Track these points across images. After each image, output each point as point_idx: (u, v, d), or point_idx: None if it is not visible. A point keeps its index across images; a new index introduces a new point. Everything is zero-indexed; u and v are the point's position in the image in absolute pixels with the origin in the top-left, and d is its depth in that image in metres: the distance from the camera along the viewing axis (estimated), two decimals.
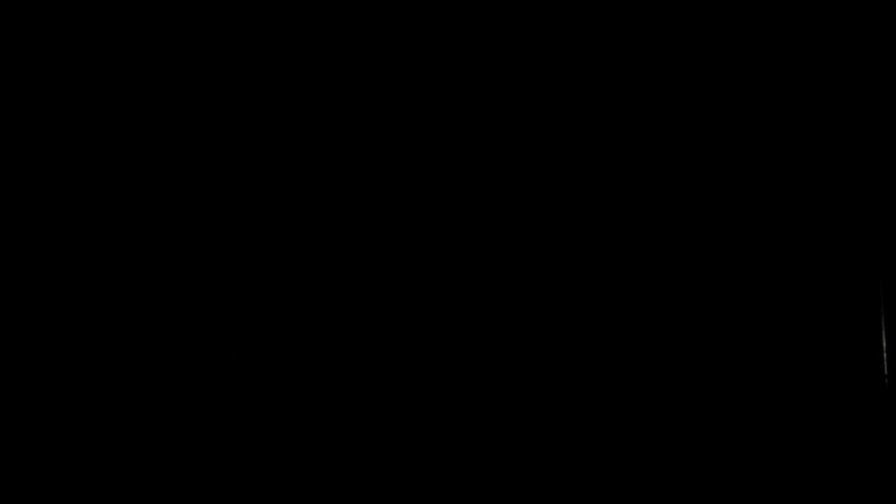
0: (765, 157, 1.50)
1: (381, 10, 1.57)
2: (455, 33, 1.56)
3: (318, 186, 1.54)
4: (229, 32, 1.57)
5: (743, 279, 1.48)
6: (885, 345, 1.44)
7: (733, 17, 1.53)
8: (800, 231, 1.48)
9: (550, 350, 1.48)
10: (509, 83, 1.55)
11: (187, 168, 1.55)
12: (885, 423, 1.43)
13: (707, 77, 1.52)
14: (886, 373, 1.44)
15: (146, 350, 1.50)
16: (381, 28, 1.57)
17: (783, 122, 1.51)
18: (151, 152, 1.55)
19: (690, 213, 1.50)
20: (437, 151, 1.54)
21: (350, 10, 1.57)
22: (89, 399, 1.49)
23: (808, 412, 1.44)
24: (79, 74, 1.57)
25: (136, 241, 1.53)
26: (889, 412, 1.43)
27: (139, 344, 1.50)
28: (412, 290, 1.51)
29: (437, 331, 1.50)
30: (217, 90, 1.56)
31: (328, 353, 1.50)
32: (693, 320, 1.47)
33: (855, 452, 1.43)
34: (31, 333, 1.50)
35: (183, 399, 1.49)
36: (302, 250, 1.53)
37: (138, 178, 1.55)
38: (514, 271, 1.51)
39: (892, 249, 1.47)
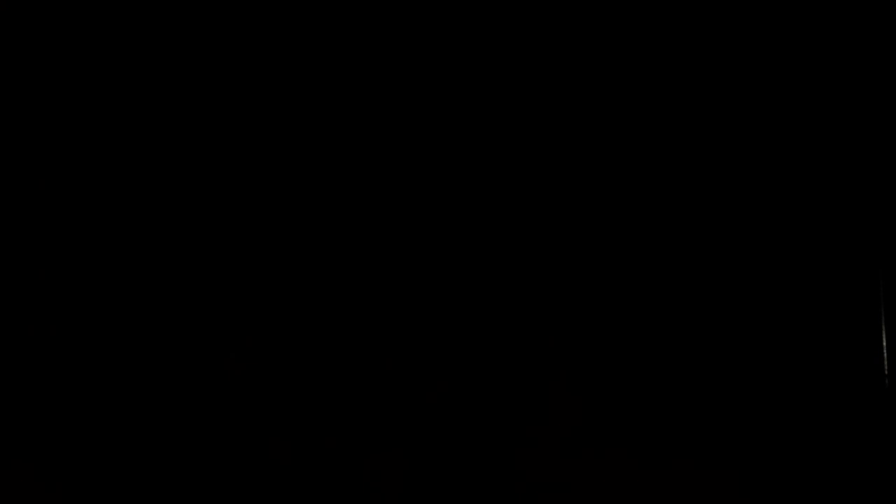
0: (764, 158, 1.51)
1: (380, 10, 1.57)
2: (455, 33, 1.56)
3: (317, 187, 1.54)
4: (229, 32, 1.57)
5: (743, 279, 1.48)
6: (885, 345, 1.44)
7: (733, 17, 1.53)
8: (800, 231, 1.48)
9: (550, 350, 1.48)
10: (509, 83, 1.55)
11: (187, 168, 1.55)
12: (885, 423, 1.43)
13: (707, 77, 1.52)
14: (886, 373, 1.44)
15: (146, 350, 1.50)
16: (381, 28, 1.57)
17: (783, 123, 1.51)
18: (151, 152, 1.55)
19: (690, 214, 1.50)
20: (437, 152, 1.54)
21: (350, 10, 1.57)
22: (89, 399, 1.49)
23: (809, 412, 1.44)
24: (79, 74, 1.57)
25: (136, 241, 1.53)
26: (889, 412, 1.43)
27: (139, 344, 1.50)
28: (412, 290, 1.51)
29: (437, 331, 1.50)
30: (217, 90, 1.56)
31: (328, 353, 1.50)
32: (693, 320, 1.48)
33: (855, 452, 1.43)
34: (31, 333, 1.50)
35: (183, 399, 1.49)
36: (301, 250, 1.53)
37: (138, 178, 1.55)
38: (514, 271, 1.51)
39: (892, 249, 1.47)
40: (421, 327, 1.50)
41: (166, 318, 1.51)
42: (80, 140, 1.56)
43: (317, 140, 1.55)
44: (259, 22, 1.57)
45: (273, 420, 1.48)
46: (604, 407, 1.47)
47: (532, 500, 1.45)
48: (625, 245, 1.50)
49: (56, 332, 1.50)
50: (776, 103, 1.51)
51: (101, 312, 1.51)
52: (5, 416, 1.48)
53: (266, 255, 1.53)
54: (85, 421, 1.48)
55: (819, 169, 1.50)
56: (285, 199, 1.54)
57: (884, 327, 1.45)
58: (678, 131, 1.52)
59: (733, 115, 1.52)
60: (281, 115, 1.56)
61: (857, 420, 1.43)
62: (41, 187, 1.54)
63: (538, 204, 1.52)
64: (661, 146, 1.52)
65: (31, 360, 1.50)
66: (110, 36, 1.57)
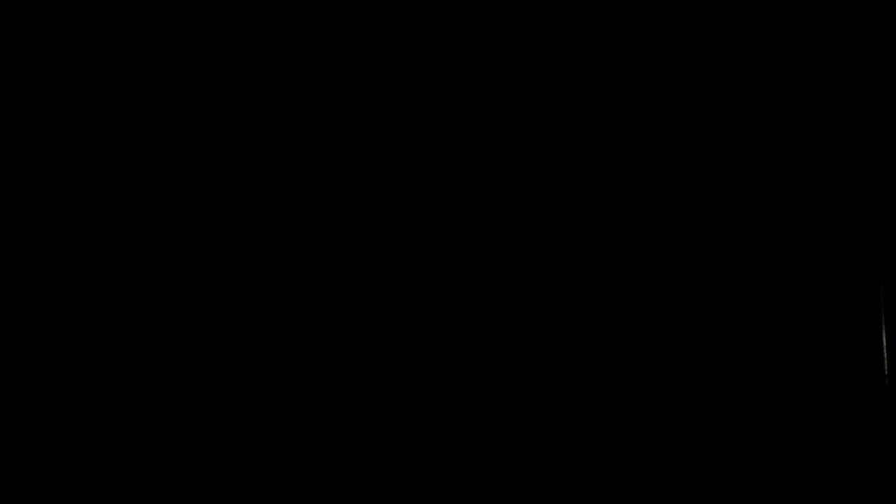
0: (764, 158, 1.51)
1: (380, 10, 1.57)
2: (455, 33, 1.56)
3: (317, 186, 1.54)
4: (229, 32, 1.57)
5: (743, 279, 1.48)
6: (885, 345, 1.44)
7: (733, 17, 1.53)
8: (800, 231, 1.48)
9: (550, 350, 1.48)
10: (509, 83, 1.55)
11: (187, 168, 1.55)
12: (885, 423, 1.43)
13: (707, 77, 1.52)
14: (886, 373, 1.44)
15: (146, 350, 1.50)
16: (381, 28, 1.57)
17: (783, 123, 1.51)
18: (151, 152, 1.55)
19: (690, 214, 1.50)
20: (437, 151, 1.54)
21: (350, 10, 1.57)
22: (89, 399, 1.49)
23: (809, 412, 1.44)
24: (79, 74, 1.57)
25: (136, 241, 1.53)
26: (889, 412, 1.43)
27: (139, 344, 1.50)
28: (412, 290, 1.51)
29: (437, 331, 1.50)
30: (217, 90, 1.56)
31: (328, 353, 1.50)
32: (693, 320, 1.47)
33: (855, 452, 1.43)
34: (31, 333, 1.50)
35: (183, 399, 1.49)
36: (301, 250, 1.53)
37: (138, 178, 1.55)
38: (514, 271, 1.51)
39: (892, 249, 1.47)
40: (421, 327, 1.50)
41: (166, 319, 1.51)
42: (80, 140, 1.56)
43: (317, 140, 1.55)
44: (259, 22, 1.57)
45: (273, 420, 1.48)
46: (604, 407, 1.47)
47: (532, 500, 1.45)
48: (624, 246, 1.50)
49: (56, 332, 1.50)
50: (776, 103, 1.51)
51: (101, 312, 1.51)
52: (5, 416, 1.48)
53: (266, 255, 1.53)
54: (85, 421, 1.48)
55: (819, 169, 1.50)
56: (285, 199, 1.54)
57: (884, 327, 1.45)
58: (677, 132, 1.52)
59: (732, 116, 1.52)
60: (281, 115, 1.56)
61: (857, 420, 1.43)
62: (41, 187, 1.54)
63: (538, 204, 1.52)
64: (660, 147, 1.52)
65: (31, 360, 1.50)
66: (110, 36, 1.57)
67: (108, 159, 1.55)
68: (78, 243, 1.53)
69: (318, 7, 1.57)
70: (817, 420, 1.44)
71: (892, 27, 1.50)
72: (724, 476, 1.44)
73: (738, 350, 1.46)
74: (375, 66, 1.56)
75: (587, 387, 1.47)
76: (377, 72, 1.56)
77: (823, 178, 1.49)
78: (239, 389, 1.49)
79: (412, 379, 1.49)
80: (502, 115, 1.54)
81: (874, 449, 1.42)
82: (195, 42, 1.57)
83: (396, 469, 1.47)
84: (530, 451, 1.46)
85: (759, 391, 1.45)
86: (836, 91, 1.51)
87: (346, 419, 1.48)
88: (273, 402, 1.49)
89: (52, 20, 1.57)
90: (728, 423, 1.45)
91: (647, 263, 1.50)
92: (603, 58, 1.54)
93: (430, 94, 1.55)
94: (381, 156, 1.54)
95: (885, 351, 1.44)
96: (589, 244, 1.51)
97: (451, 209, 1.53)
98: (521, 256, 1.51)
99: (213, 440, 1.48)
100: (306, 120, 1.56)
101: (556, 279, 1.50)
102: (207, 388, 1.49)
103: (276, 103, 1.56)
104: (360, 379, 1.49)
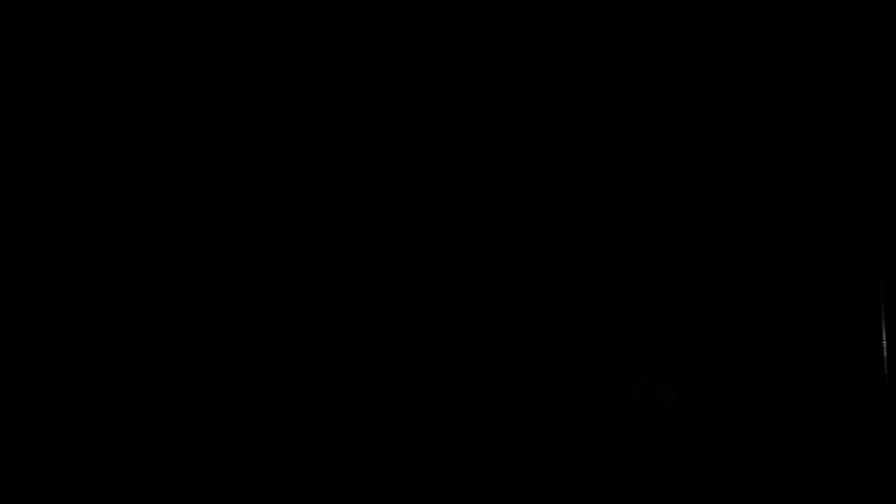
0: (765, 158, 1.51)
1: (380, 11, 1.57)
2: (455, 34, 1.56)
3: (318, 188, 1.54)
4: (229, 33, 1.57)
5: (743, 280, 1.48)
6: (885, 345, 1.44)
7: (733, 18, 1.53)
8: (800, 231, 1.48)
9: (550, 350, 1.48)
10: (509, 85, 1.55)
11: (188, 169, 1.55)
12: (885, 423, 1.43)
13: (708, 78, 1.52)
14: (886, 373, 1.44)
15: (146, 350, 1.50)
16: (381, 29, 1.57)
17: (783, 123, 1.51)
18: (152, 153, 1.55)
19: (690, 215, 1.50)
20: (438, 153, 1.54)
21: (350, 11, 1.57)
22: (89, 399, 1.49)
23: (809, 412, 1.44)
24: (78, 74, 1.57)
25: (136, 241, 1.53)
26: (889, 412, 1.43)
27: (139, 344, 1.50)
28: (412, 290, 1.51)
29: (437, 331, 1.50)
30: (217, 91, 1.56)
31: (328, 353, 1.50)
32: (693, 320, 1.47)
33: (855, 452, 1.43)
34: (31, 333, 1.50)
35: (183, 399, 1.49)
36: (302, 251, 1.53)
37: (138, 178, 1.55)
38: (514, 272, 1.51)
39: (892, 249, 1.47)
40: (421, 328, 1.50)
41: (167, 319, 1.51)
42: (80, 140, 1.56)
43: (317, 141, 1.55)
44: (259, 22, 1.57)
45: (273, 420, 1.48)
46: (604, 407, 1.47)
47: (532, 500, 1.45)
48: (624, 247, 1.50)
49: (56, 332, 1.50)
50: (777, 105, 1.51)
51: (101, 312, 1.51)
52: (5, 416, 1.48)
53: (266, 256, 1.53)
54: (85, 421, 1.48)
55: (819, 170, 1.50)
56: (285, 200, 1.54)
57: (884, 327, 1.45)
58: (678, 133, 1.52)
59: (733, 118, 1.52)
60: (281, 116, 1.56)
61: (857, 419, 1.43)
62: (41, 187, 1.54)
63: (538, 206, 1.52)
64: (660, 148, 1.52)
65: (31, 360, 1.50)
66: (110, 36, 1.57)
67: (108, 160, 1.55)
68: (78, 243, 1.53)
69: (318, 7, 1.57)
70: (817, 419, 1.44)
71: (892, 27, 1.50)
72: (724, 476, 1.44)
73: (738, 350, 1.46)
74: (375, 68, 1.56)
75: (587, 387, 1.47)
76: (377, 73, 1.56)
77: (824, 178, 1.49)
78: (239, 389, 1.49)
79: (412, 379, 1.49)
80: (503, 118, 1.54)
81: (874, 448, 1.42)
82: (195, 43, 1.57)
83: (396, 469, 1.47)
84: (530, 451, 1.46)
85: (759, 391, 1.45)
86: (836, 92, 1.51)
87: (346, 419, 1.48)
88: (273, 402, 1.49)
89: (52, 20, 1.57)
90: (728, 423, 1.45)
91: (646, 264, 1.50)
92: (604, 59, 1.54)
93: (431, 95, 1.55)
94: (381, 158, 1.54)
95: (885, 351, 1.44)
96: (588, 246, 1.51)
97: (451, 211, 1.53)
98: (521, 258, 1.51)
99: (214, 440, 1.48)
100: (307, 121, 1.56)
101: (556, 280, 1.50)
102: (207, 388, 1.49)
103: (276, 104, 1.56)
104: (360, 379, 1.49)
